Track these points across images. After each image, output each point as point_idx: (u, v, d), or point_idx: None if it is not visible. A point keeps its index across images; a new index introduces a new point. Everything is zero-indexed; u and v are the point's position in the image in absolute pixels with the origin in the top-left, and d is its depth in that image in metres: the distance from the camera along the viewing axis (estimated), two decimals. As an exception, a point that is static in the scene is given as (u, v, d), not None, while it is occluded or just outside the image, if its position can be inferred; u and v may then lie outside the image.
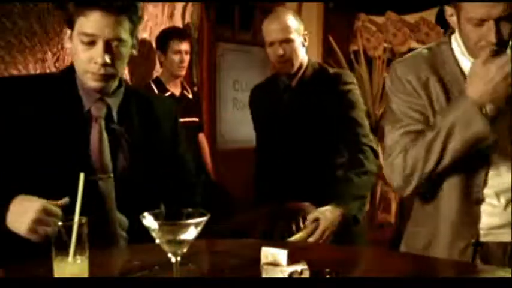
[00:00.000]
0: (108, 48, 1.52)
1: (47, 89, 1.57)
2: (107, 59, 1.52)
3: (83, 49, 1.52)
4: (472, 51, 1.55)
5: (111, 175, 1.57)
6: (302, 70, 2.37)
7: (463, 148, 1.50)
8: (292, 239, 2.04)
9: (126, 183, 1.58)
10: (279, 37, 2.32)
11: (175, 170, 1.72)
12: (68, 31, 1.57)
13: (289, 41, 2.31)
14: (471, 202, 1.58)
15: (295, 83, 2.39)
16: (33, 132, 1.51)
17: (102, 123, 1.59)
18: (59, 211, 1.34)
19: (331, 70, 2.42)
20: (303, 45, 2.37)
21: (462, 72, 1.59)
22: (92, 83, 1.55)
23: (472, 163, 1.55)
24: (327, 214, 2.08)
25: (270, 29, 2.36)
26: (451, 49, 1.62)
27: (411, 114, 1.61)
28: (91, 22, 1.49)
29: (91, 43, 1.51)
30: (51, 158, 1.50)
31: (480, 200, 1.57)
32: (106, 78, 1.55)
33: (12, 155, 1.49)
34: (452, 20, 1.56)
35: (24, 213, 1.33)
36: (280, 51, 2.31)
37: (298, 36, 2.34)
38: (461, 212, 1.59)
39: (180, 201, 1.62)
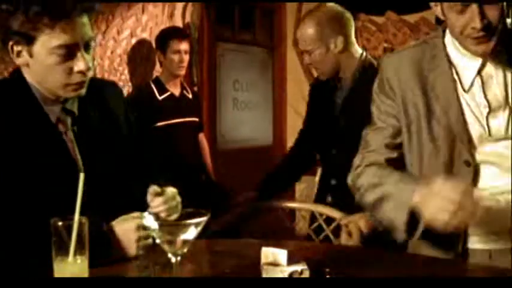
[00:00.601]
0: (87, 52, 1.43)
1: (5, 104, 1.45)
2: (90, 64, 1.43)
3: (59, 61, 1.39)
4: (461, 43, 1.45)
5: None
6: (345, 71, 2.33)
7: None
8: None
9: (101, 184, 1.47)
10: (302, 48, 2.34)
11: (134, 154, 1.64)
12: (18, 47, 1.40)
13: (309, 52, 2.30)
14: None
15: (340, 84, 2.36)
16: (11, 153, 1.39)
17: (71, 135, 1.50)
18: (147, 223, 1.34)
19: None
20: (333, 50, 2.28)
21: (451, 66, 1.49)
22: (73, 93, 1.45)
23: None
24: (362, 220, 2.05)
25: (297, 39, 2.37)
26: (443, 43, 1.51)
27: (383, 117, 1.55)
28: (65, 32, 1.36)
29: (69, 53, 1.39)
30: (39, 179, 1.40)
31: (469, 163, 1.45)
32: (85, 83, 1.46)
33: None
34: (438, 10, 1.47)
35: (127, 240, 1.39)
36: (307, 60, 2.35)
37: (320, 44, 2.27)
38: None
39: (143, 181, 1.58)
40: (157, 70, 3.53)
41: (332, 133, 2.36)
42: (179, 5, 3.77)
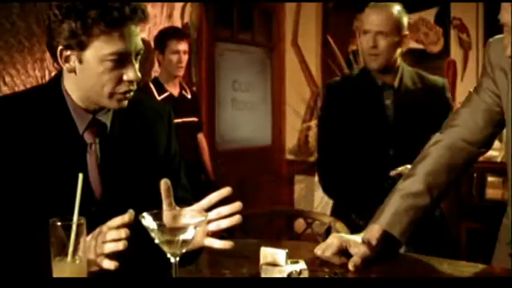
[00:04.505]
0: (136, 61, 1.40)
1: (36, 111, 1.42)
2: (139, 74, 1.39)
3: (110, 69, 1.35)
4: None
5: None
6: (400, 70, 2.32)
7: None
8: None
9: (117, 203, 1.39)
10: (376, 27, 2.23)
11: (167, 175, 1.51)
12: (67, 53, 1.36)
13: (384, 34, 2.23)
14: None
15: (396, 81, 2.31)
16: (26, 160, 1.38)
17: (98, 149, 1.45)
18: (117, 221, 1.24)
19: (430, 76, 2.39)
20: (400, 45, 2.29)
21: None
22: (117, 104, 1.41)
23: None
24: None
25: (371, 17, 2.27)
26: None
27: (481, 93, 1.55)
28: (120, 40, 1.33)
29: (121, 61, 1.36)
30: (47, 189, 1.37)
31: None
32: (131, 94, 1.42)
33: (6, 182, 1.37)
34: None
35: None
36: (370, 42, 2.24)
37: (396, 32, 2.25)
38: None
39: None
40: (156, 70, 3.53)
41: (385, 134, 2.28)
42: (178, 5, 3.77)
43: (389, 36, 2.23)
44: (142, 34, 3.50)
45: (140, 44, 1.40)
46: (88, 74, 1.37)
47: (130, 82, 1.38)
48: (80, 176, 1.15)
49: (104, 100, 1.40)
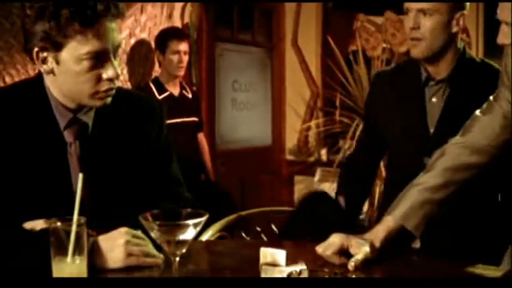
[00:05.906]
0: (115, 58, 1.37)
1: (18, 106, 1.41)
2: (119, 71, 1.36)
3: (89, 69, 1.33)
4: None
5: None
6: (455, 60, 1.85)
7: None
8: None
9: (101, 202, 1.42)
10: (416, 5, 1.80)
11: (157, 176, 1.55)
12: (43, 54, 1.33)
13: (428, 13, 1.79)
14: None
15: (446, 74, 1.85)
16: (6, 155, 1.37)
17: (78, 149, 1.43)
18: (141, 234, 1.30)
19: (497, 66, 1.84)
20: (451, 26, 1.81)
21: None
22: (99, 102, 1.39)
23: None
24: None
25: None
26: None
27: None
28: (96, 38, 1.31)
29: (99, 60, 1.33)
30: (28, 185, 1.37)
31: None
32: (113, 91, 1.39)
33: None
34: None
35: (110, 245, 1.29)
36: (411, 24, 1.80)
37: (444, 10, 1.79)
38: None
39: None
40: (156, 70, 3.54)
41: (422, 138, 1.86)
42: (178, 6, 3.77)
43: (434, 15, 1.78)
44: (143, 34, 3.52)
45: (118, 40, 1.38)
46: (66, 75, 1.36)
47: (111, 80, 1.37)
48: (80, 175, 1.15)
49: (86, 99, 1.39)
